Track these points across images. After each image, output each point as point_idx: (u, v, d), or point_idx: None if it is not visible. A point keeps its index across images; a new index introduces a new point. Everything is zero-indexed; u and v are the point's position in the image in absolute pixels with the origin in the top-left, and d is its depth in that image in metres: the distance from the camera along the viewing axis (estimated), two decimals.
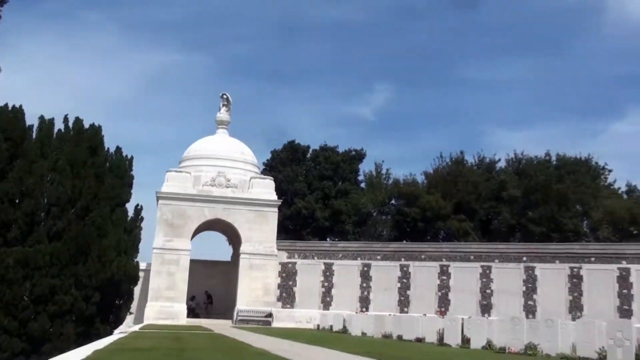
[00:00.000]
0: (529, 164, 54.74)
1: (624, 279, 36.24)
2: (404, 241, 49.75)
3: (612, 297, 36.22)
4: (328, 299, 41.50)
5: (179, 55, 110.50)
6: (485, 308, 38.47)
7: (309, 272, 41.96)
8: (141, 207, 36.11)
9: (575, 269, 37.39)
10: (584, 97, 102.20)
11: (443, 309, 38.18)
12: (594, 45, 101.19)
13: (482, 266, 39.53)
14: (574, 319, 30.00)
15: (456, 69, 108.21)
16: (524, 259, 38.83)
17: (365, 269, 41.58)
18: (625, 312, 35.26)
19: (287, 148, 59.83)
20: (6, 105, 31.46)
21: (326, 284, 41.81)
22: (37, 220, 30.14)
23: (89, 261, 29.92)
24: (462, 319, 23.63)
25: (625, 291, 36.06)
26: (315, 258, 42.37)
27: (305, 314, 40.69)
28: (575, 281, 37.20)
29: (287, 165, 57.89)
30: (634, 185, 53.82)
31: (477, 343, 21.04)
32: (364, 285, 41.39)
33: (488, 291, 39.02)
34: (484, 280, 39.25)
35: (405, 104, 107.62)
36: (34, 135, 32.58)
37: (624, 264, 36.46)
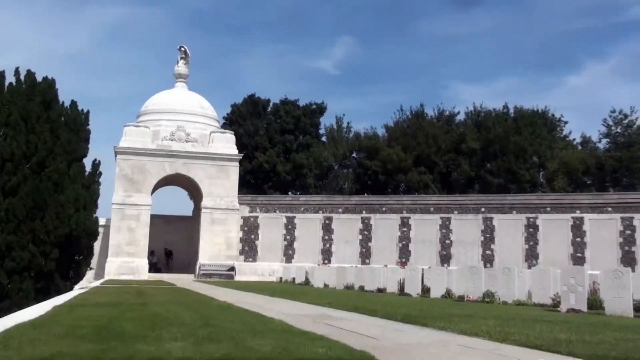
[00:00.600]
0: (487, 116, 55.32)
1: (577, 228, 37.32)
2: (366, 194, 50.21)
3: (566, 245, 37.34)
4: (290, 252, 41.80)
5: (135, 8, 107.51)
6: (445, 258, 39.28)
7: (271, 226, 42.09)
8: (99, 162, 35.43)
9: (531, 219, 38.34)
10: (541, 51, 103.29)
11: (404, 260, 38.84)
12: (552, 0, 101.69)
13: (441, 217, 40.19)
14: (530, 267, 30.88)
15: (417, 23, 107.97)
16: (482, 210, 39.59)
17: (327, 222, 41.90)
18: (578, 259, 36.43)
19: (247, 102, 59.21)
20: None
21: (288, 237, 42.05)
22: None
23: (47, 217, 29.40)
24: (422, 269, 24.03)
25: (578, 239, 37.19)
26: (277, 212, 42.47)
27: (268, 267, 40.97)
28: (532, 231, 38.19)
29: (247, 119, 57.41)
30: (589, 137, 55.18)
31: (436, 292, 21.49)
32: (326, 238, 41.76)
33: (447, 242, 39.80)
34: (444, 231, 39.97)
35: (366, 58, 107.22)
36: None
37: (578, 213, 37.49)
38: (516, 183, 48.93)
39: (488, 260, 38.22)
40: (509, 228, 38.68)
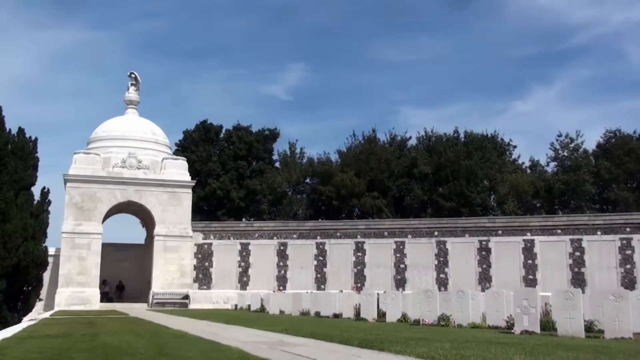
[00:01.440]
0: (438, 141, 56.30)
1: (528, 250, 38.10)
2: (320, 219, 50.25)
3: (518, 267, 38.07)
4: (245, 278, 41.45)
5: (84, 33, 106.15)
6: (400, 282, 39.51)
7: (225, 253, 41.72)
8: (48, 190, 34.74)
9: (484, 242, 38.99)
10: (488, 76, 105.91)
11: (359, 285, 38.92)
12: (498, 26, 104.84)
13: (395, 242, 40.51)
14: (483, 290, 31.30)
15: (367, 49, 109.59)
16: (436, 233, 40.08)
17: (282, 247, 41.76)
18: (530, 281, 37.15)
19: (199, 128, 58.89)
20: None
21: (243, 263, 41.72)
22: None
23: None
24: (378, 293, 24.11)
25: (530, 261, 37.96)
26: (232, 238, 42.14)
27: (223, 295, 40.48)
28: (484, 254, 38.83)
29: (200, 146, 57.06)
30: (537, 161, 56.64)
31: (392, 316, 21.57)
32: (281, 264, 41.58)
33: (402, 266, 40.09)
34: (398, 255, 40.27)
35: (318, 83, 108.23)
36: None
37: (528, 236, 38.30)
38: (468, 207, 49.73)
39: (442, 283, 38.60)
40: (462, 251, 39.25)
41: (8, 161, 31.46)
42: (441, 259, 39.55)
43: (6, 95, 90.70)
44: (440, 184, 52.27)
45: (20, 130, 34.19)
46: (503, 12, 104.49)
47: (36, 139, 34.74)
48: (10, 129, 33.45)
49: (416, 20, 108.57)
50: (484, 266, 38.67)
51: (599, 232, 37.39)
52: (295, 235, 42.04)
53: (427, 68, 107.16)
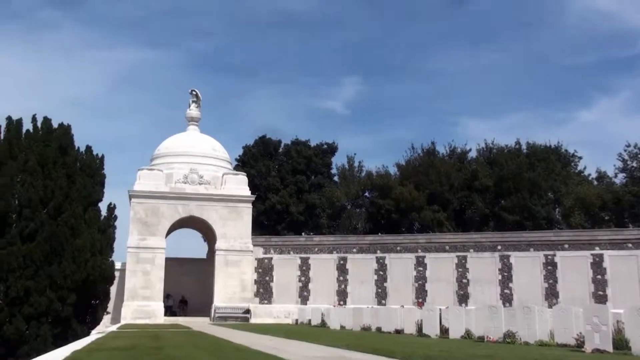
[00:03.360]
0: (499, 153, 55.29)
1: (597, 265, 36.78)
2: (379, 233, 49.92)
3: (586, 283, 36.74)
4: (305, 293, 41.47)
5: (145, 52, 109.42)
6: (463, 297, 38.79)
7: (285, 267, 41.86)
8: (114, 205, 35.77)
9: (549, 257, 37.86)
10: (550, 85, 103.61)
11: (421, 300, 38.40)
12: (557, 33, 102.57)
13: (457, 256, 39.82)
14: (550, 306, 30.35)
15: (424, 60, 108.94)
16: (499, 247, 39.21)
17: (342, 262, 41.63)
18: (600, 297, 35.80)
19: (258, 143, 59.58)
20: None
21: (303, 278, 41.76)
22: (9, 222, 29.63)
23: (64, 262, 29.54)
24: (440, 309, 23.75)
25: (599, 277, 36.60)
26: (291, 253, 42.28)
27: (283, 309, 40.60)
28: (550, 268, 37.68)
29: (259, 161, 57.68)
30: (604, 172, 54.78)
31: (455, 333, 21.18)
32: (341, 278, 41.43)
33: (464, 281, 39.35)
34: (460, 270, 39.55)
35: (375, 96, 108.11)
36: (2, 137, 31.99)
37: (597, 250, 37.00)
38: (532, 220, 48.55)
39: (507, 299, 37.65)
40: (527, 266, 38.18)
41: (77, 178, 32.59)
42: (505, 273, 38.62)
43: (73, 114, 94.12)
44: (502, 196, 51.24)
45: (88, 148, 35.37)
46: (561, 18, 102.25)
47: (103, 156, 35.87)
48: (78, 147, 34.68)
49: (473, 29, 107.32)
50: (550, 281, 37.53)
51: None
52: (355, 250, 41.87)
53: (485, 78, 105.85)
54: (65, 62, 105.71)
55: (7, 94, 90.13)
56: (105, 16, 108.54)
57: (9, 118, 32.60)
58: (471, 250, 39.75)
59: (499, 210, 50.58)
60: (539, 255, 38.07)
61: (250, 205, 42.78)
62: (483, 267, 39.06)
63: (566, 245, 37.85)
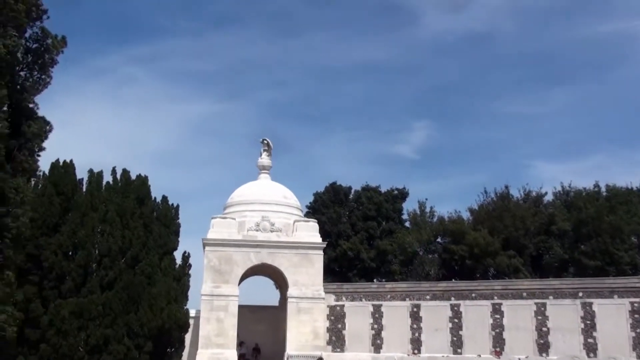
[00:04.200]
0: (577, 196, 53.62)
1: None
2: (453, 280, 48.85)
3: None
4: (378, 341, 40.76)
5: (217, 104, 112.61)
6: (543, 347, 37.19)
7: (357, 315, 41.37)
8: (188, 254, 36.36)
9: (636, 304, 35.94)
10: (627, 125, 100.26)
11: (498, 349, 37.16)
12: (632, 72, 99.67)
13: (536, 303, 38.40)
14: (638, 357, 28.78)
15: (493, 102, 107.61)
16: (580, 294, 37.61)
17: (415, 309, 40.81)
18: None
19: (329, 190, 59.77)
20: (57, 160, 32.54)
21: (376, 326, 41.11)
22: (89, 271, 30.62)
23: (140, 310, 30.17)
24: (519, 358, 22.87)
25: None
26: (364, 300, 41.81)
27: (356, 358, 40.00)
28: (637, 317, 35.70)
29: (330, 207, 57.75)
30: None
31: None
32: (415, 326, 40.55)
33: (544, 329, 37.76)
34: (539, 317, 38.05)
35: (445, 141, 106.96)
36: (84, 189, 33.33)
37: None
38: (614, 265, 46.48)
39: (591, 348, 35.88)
40: (612, 314, 36.37)
41: (154, 228, 33.45)
42: (588, 321, 36.86)
43: (149, 165, 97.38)
44: (581, 241, 49.38)
45: (164, 198, 36.33)
46: (635, 55, 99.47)
47: (178, 205, 36.71)
48: (155, 197, 35.69)
49: (544, 71, 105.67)
50: (638, 330, 35.49)
51: None
52: (428, 297, 41.00)
53: (559, 119, 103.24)
54: (143, 116, 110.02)
55: (89, 147, 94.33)
56: (184, 70, 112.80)
57: (90, 171, 34.01)
58: (550, 297, 38.29)
59: (578, 255, 48.71)
60: (625, 303, 36.22)
61: (321, 252, 42.74)
62: (564, 314, 37.49)
63: None
